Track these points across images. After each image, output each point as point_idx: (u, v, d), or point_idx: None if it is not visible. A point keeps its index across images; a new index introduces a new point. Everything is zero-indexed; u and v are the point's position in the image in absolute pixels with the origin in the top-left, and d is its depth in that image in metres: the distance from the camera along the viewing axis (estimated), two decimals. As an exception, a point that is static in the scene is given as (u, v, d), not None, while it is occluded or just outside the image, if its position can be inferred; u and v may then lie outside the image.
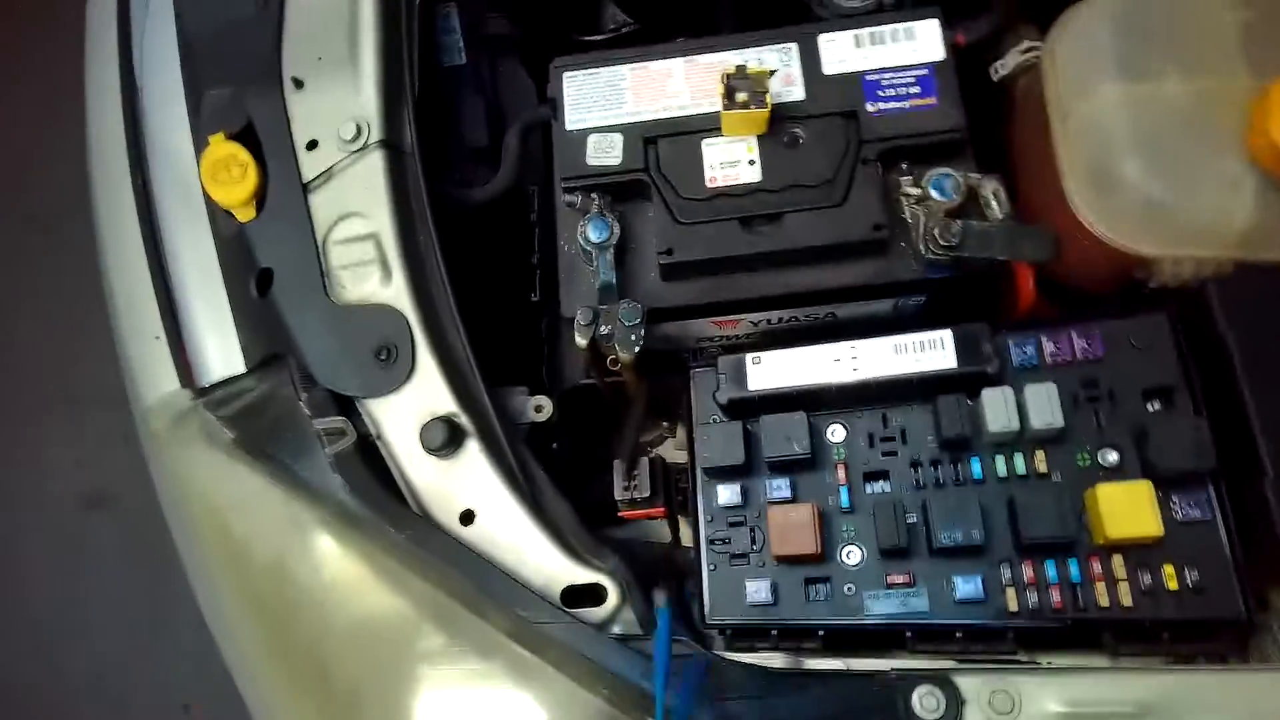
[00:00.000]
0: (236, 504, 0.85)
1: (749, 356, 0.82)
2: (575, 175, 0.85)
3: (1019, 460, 0.76)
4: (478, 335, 0.90)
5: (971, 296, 0.89)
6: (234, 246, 0.94)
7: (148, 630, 2.01)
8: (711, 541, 0.81)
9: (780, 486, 0.80)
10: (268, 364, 0.90)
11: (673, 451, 1.08)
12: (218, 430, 0.88)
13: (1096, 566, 0.72)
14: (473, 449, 0.84)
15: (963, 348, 0.77)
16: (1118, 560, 0.72)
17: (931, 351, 0.78)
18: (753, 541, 0.80)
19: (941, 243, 0.77)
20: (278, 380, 0.89)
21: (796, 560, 0.77)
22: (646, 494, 0.84)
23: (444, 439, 0.82)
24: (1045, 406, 0.74)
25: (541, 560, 0.80)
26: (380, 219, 0.91)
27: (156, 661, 1.97)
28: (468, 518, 0.82)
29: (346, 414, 0.86)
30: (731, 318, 0.88)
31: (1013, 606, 0.73)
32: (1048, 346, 0.78)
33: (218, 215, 0.96)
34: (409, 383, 0.86)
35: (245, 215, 0.93)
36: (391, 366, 0.86)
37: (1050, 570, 0.73)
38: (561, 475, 0.93)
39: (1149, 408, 0.76)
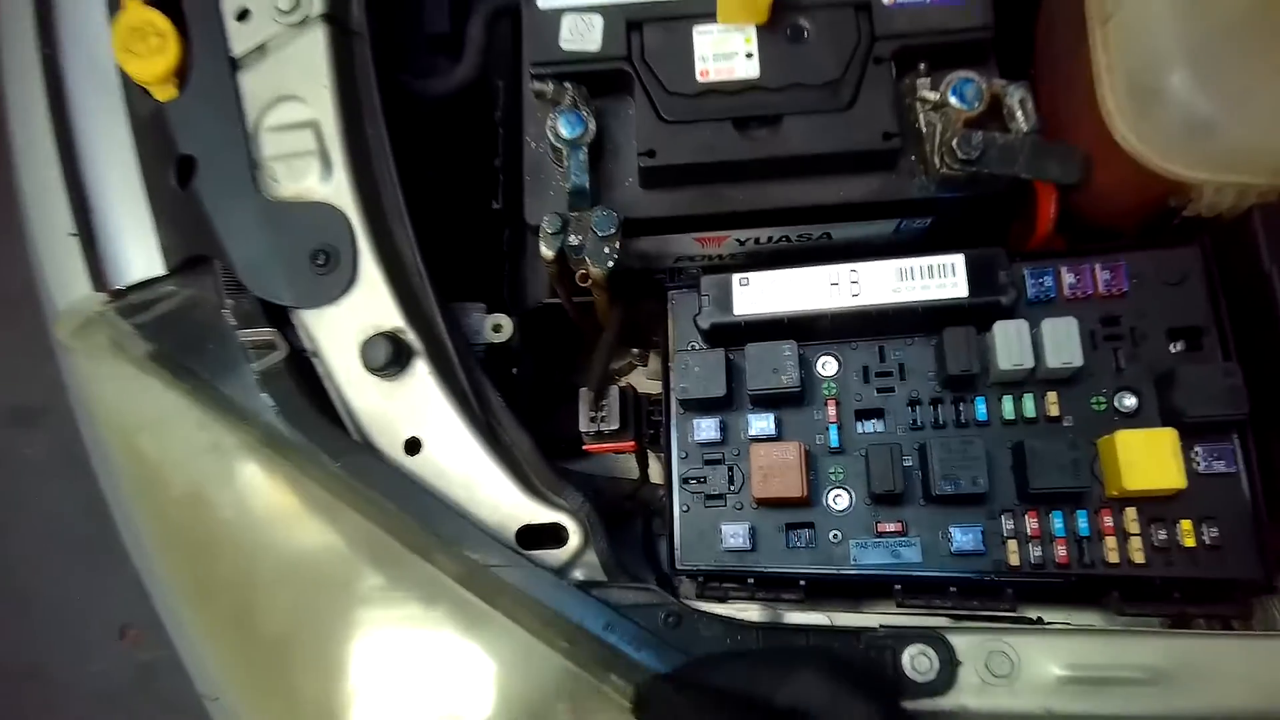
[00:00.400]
0: (150, 424, 0.75)
1: (735, 277, 0.73)
2: (547, 61, 0.74)
3: (1028, 402, 0.69)
4: (431, 244, 0.80)
5: (982, 222, 0.80)
6: (151, 129, 0.82)
7: (83, 549, 1.91)
8: (685, 480, 0.74)
9: (764, 422, 0.72)
10: (190, 266, 0.79)
11: (644, 381, 1.00)
12: (131, 339, 0.78)
13: (1107, 519, 0.66)
14: (421, 370, 0.74)
15: (976, 275, 0.69)
16: (1130, 513, 0.66)
17: (941, 278, 0.70)
18: (731, 481, 0.73)
19: (960, 156, 0.68)
20: (200, 285, 0.78)
21: (779, 504, 0.70)
22: (615, 426, 0.76)
23: (388, 357, 0.72)
24: (1064, 343, 0.67)
25: (495, 496, 0.72)
26: (321, 105, 0.80)
27: (92, 581, 1.88)
28: (413, 446, 0.73)
29: (278, 326, 0.76)
30: (717, 234, 0.79)
31: (1013, 560, 0.67)
32: (1067, 278, 0.71)
33: (134, 93, 0.84)
34: (350, 293, 0.76)
35: (164, 94, 0.81)
36: (330, 273, 0.76)
37: (1057, 522, 0.67)
38: (521, 403, 0.85)
39: (1172, 349, 0.69)
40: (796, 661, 0.59)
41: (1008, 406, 0.69)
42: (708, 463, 0.73)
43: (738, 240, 0.80)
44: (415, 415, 0.74)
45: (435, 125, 0.95)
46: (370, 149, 0.82)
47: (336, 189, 0.78)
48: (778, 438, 0.72)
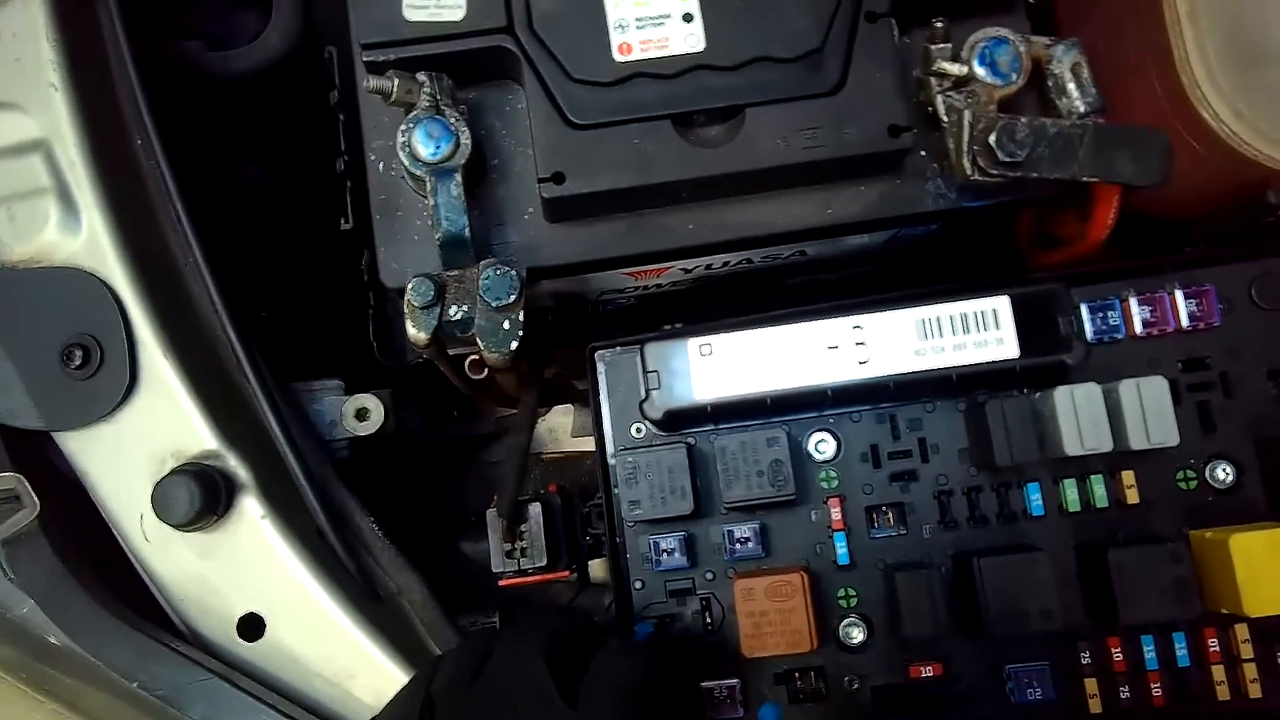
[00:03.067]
0: None
1: (694, 344, 0.52)
2: (387, 40, 0.49)
3: (1097, 486, 0.51)
4: (253, 297, 0.56)
5: (998, 223, 0.61)
6: None
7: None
8: (642, 620, 0.54)
9: (747, 535, 0.53)
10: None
11: (561, 420, 0.79)
12: None
13: (1211, 642, 0.50)
14: (250, 511, 0.51)
15: (1028, 323, 0.50)
16: (1240, 632, 0.50)
17: (980, 331, 0.50)
18: (707, 619, 0.53)
19: (1001, 157, 0.48)
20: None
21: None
22: (541, 562, 0.54)
23: (196, 503, 0.49)
24: (1155, 415, 0.48)
25: (377, 684, 0.50)
26: (50, 113, 0.53)
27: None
28: (252, 627, 0.50)
29: (24, 465, 0.51)
30: (651, 267, 0.57)
31: (1094, 706, 0.50)
32: (1137, 310, 0.52)
33: None
34: (129, 403, 0.52)
35: None
36: (93, 376, 0.51)
37: (1148, 650, 0.50)
38: (411, 495, 0.63)
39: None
40: None
41: (1070, 494, 0.51)
42: (673, 595, 0.54)
43: (683, 269, 0.59)
44: (249, 581, 0.51)
45: (242, 115, 0.69)
46: (139, 171, 0.56)
47: (89, 243, 0.53)
48: (766, 556, 0.53)
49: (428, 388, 0.70)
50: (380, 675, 0.50)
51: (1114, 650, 0.50)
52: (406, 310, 0.49)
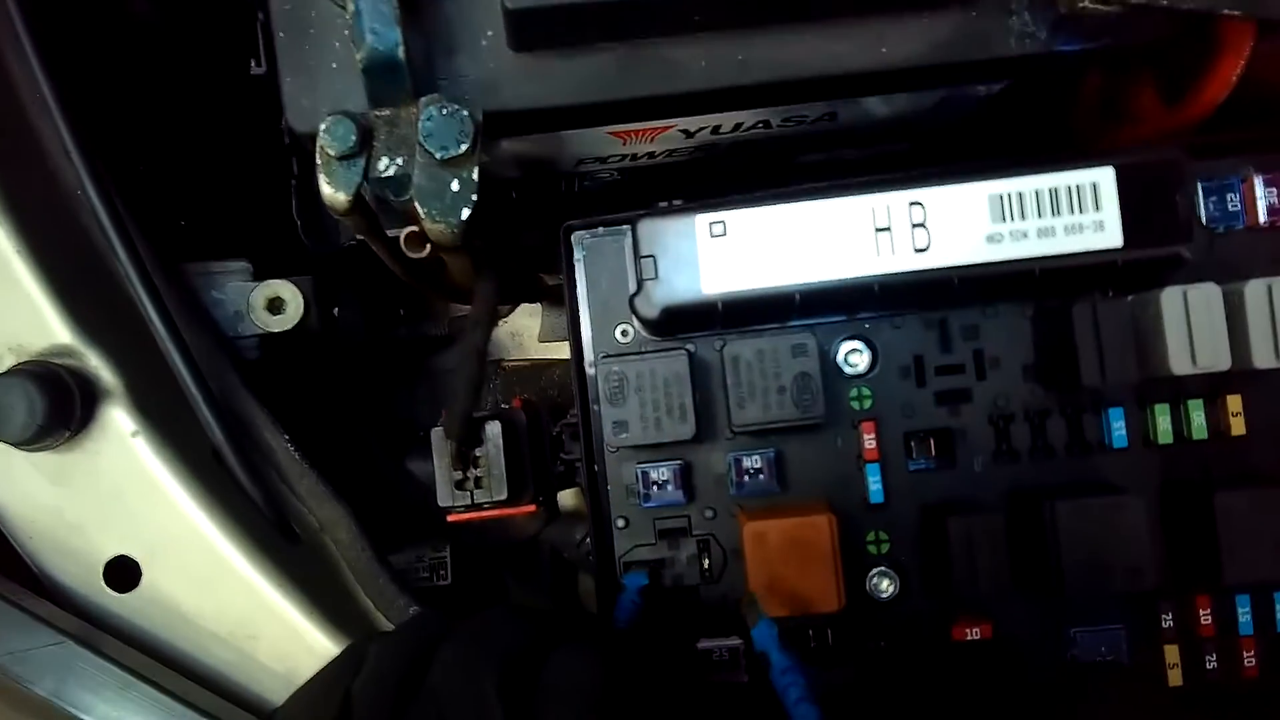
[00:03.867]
0: None
1: (703, 221, 0.40)
2: None
3: (1196, 413, 0.41)
4: (130, 156, 0.43)
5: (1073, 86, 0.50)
6: None
7: None
8: (628, 565, 0.43)
9: (758, 465, 0.42)
10: None
11: (527, 323, 0.67)
12: None
13: (1320, 604, 0.41)
14: (119, 424, 0.40)
15: (1135, 204, 0.39)
16: (1355, 592, 0.41)
17: (1073, 213, 0.39)
18: (705, 565, 0.43)
19: (1127, -25, 0.35)
20: None
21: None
22: (502, 495, 0.43)
23: (37, 415, 0.37)
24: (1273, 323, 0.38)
25: (282, 646, 0.40)
26: None
27: None
28: (123, 574, 0.39)
29: None
30: (651, 124, 0.45)
31: (1174, 679, 0.41)
32: (1262, 194, 0.41)
33: None
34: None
35: None
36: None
37: (1242, 613, 0.41)
38: (342, 408, 0.52)
39: None
40: None
41: (1162, 422, 0.41)
42: (664, 535, 0.43)
43: (684, 131, 0.46)
44: (119, 515, 0.39)
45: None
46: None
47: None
48: (781, 491, 0.43)
49: (368, 278, 0.58)
50: (290, 635, 0.39)
51: (1202, 612, 0.41)
52: (319, 161, 0.36)
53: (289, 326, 0.48)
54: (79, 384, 0.38)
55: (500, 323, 0.68)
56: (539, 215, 0.54)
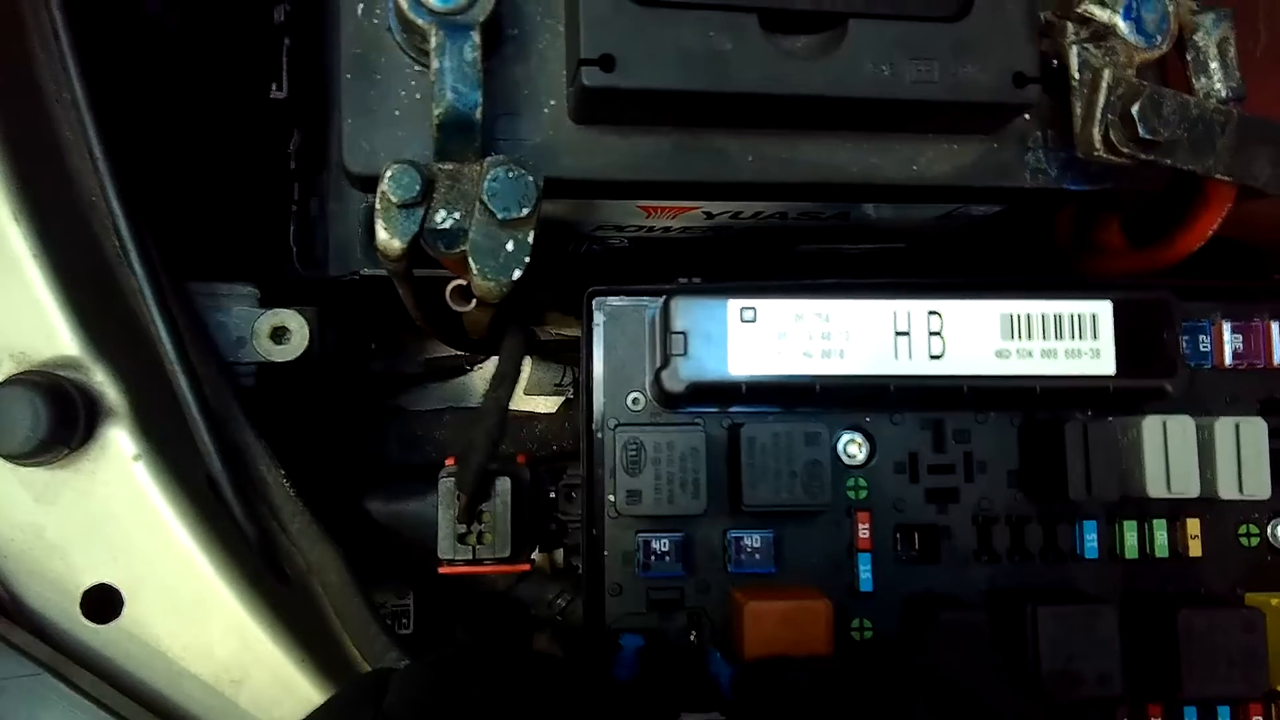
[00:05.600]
0: None
1: (735, 305, 0.42)
2: None
3: (1160, 533, 0.45)
4: (145, 168, 0.42)
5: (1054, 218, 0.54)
6: None
7: None
8: (616, 632, 0.44)
9: (755, 547, 0.43)
10: None
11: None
12: None
13: (1256, 720, 0.44)
14: (119, 446, 0.38)
15: (1130, 336, 0.42)
16: (1286, 710, 0.44)
17: (1074, 338, 0.42)
18: (693, 638, 0.44)
19: (1142, 133, 0.39)
20: None
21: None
22: (505, 553, 0.43)
23: (41, 428, 0.35)
24: (1251, 461, 0.42)
25: (273, 688, 0.38)
26: None
27: None
28: (103, 603, 0.37)
29: None
30: (680, 204, 0.46)
31: (1127, 784, 0.44)
32: (1229, 338, 0.46)
33: None
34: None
35: None
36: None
37: (1188, 725, 0.44)
38: (324, 442, 0.51)
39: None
40: None
41: (1130, 538, 0.45)
42: (656, 605, 0.44)
43: (706, 213, 0.48)
44: (106, 541, 0.37)
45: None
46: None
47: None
48: (776, 573, 0.44)
49: (345, 311, 0.57)
50: (278, 682, 0.38)
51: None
52: (379, 207, 0.36)
53: (292, 357, 0.47)
54: (84, 400, 0.37)
55: (479, 368, 0.68)
56: (545, 273, 0.55)
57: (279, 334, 0.47)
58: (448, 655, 0.34)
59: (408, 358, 0.70)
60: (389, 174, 0.35)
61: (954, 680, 0.37)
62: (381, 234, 0.36)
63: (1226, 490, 0.42)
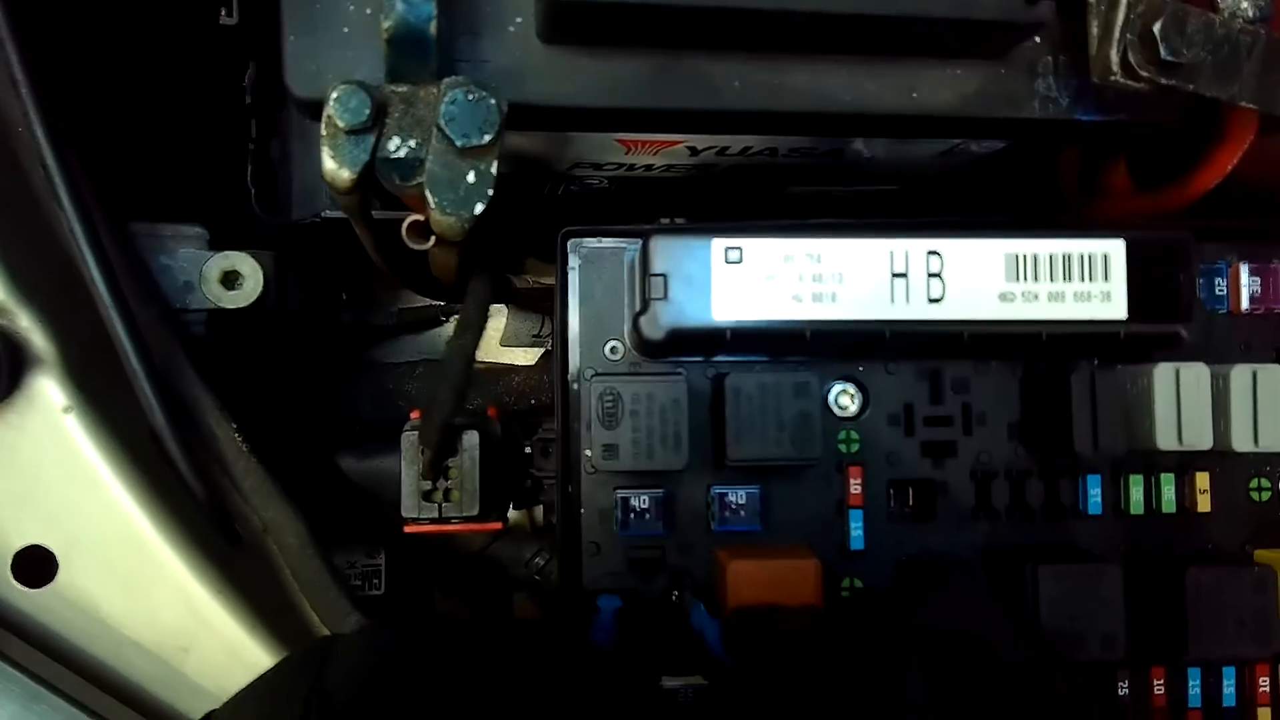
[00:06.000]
0: None
1: (719, 245, 0.38)
2: None
3: (1167, 487, 0.42)
4: (80, 95, 0.38)
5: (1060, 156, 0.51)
6: None
7: None
8: (594, 593, 0.41)
9: (741, 504, 0.41)
10: None
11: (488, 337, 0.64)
12: None
13: (1263, 681, 0.42)
14: (47, 398, 0.35)
15: (1144, 278, 0.39)
16: (1296, 671, 0.43)
17: (1083, 281, 0.39)
18: (675, 599, 0.41)
19: (1164, 54, 0.36)
20: None
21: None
22: (473, 510, 0.40)
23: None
24: (1269, 411, 0.39)
25: (221, 657, 0.36)
26: None
27: None
28: (36, 567, 0.34)
29: None
30: (660, 136, 0.43)
31: (1126, 747, 0.42)
32: (1246, 281, 0.43)
33: None
34: None
35: None
36: None
37: (1193, 684, 0.42)
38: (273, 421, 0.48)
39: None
40: None
41: (1135, 493, 0.42)
42: (636, 566, 0.41)
43: (690, 148, 0.45)
44: (37, 499, 0.35)
45: None
46: None
47: None
48: (762, 531, 0.41)
49: (310, 257, 0.54)
50: (226, 648, 0.35)
51: (1156, 683, 0.42)
52: (324, 133, 0.33)
53: (244, 304, 0.43)
54: (6, 347, 0.34)
55: (454, 319, 0.65)
56: (520, 215, 0.52)
57: (230, 279, 0.44)
58: (399, 622, 0.32)
59: (380, 309, 0.66)
60: (335, 95, 0.32)
61: (954, 628, 0.35)
62: (329, 163, 0.33)
63: (1241, 442, 0.39)
